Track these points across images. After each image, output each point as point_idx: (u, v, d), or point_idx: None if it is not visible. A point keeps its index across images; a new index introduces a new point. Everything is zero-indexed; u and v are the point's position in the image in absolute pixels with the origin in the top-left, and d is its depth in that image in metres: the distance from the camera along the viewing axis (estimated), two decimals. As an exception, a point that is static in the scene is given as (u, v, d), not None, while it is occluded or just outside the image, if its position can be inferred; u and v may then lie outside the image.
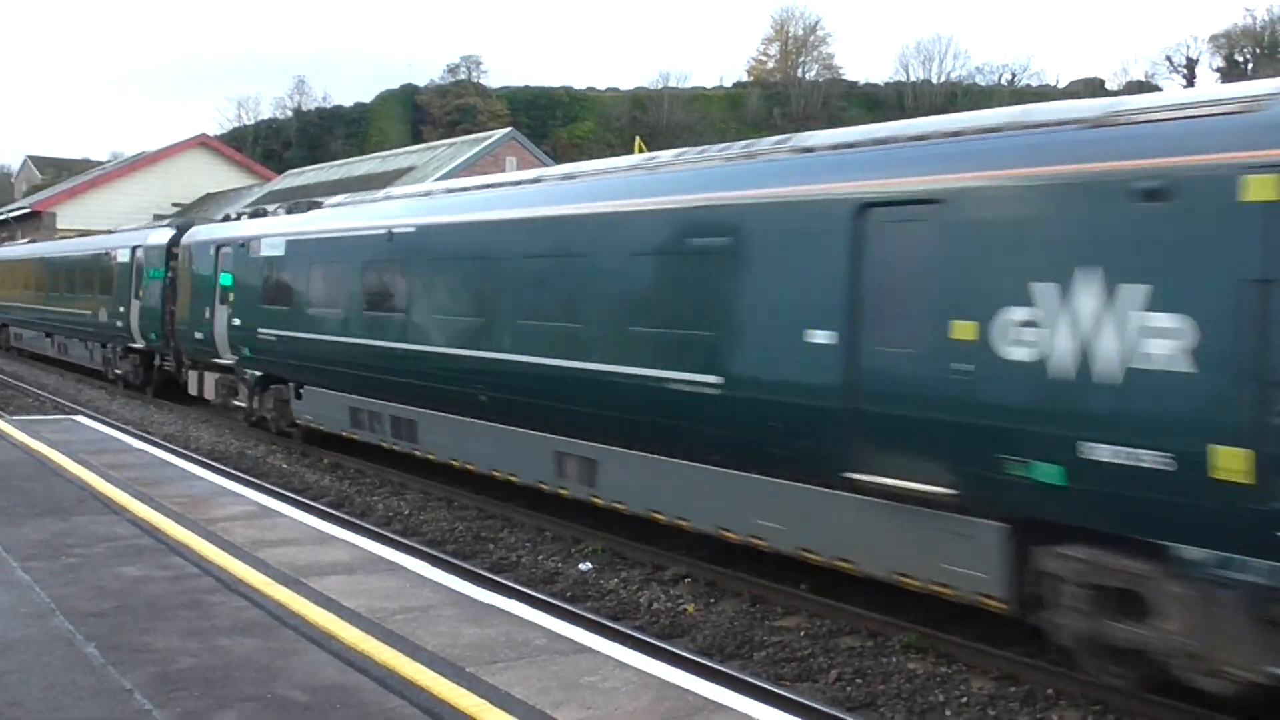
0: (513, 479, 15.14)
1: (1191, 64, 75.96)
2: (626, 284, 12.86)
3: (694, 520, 12.27)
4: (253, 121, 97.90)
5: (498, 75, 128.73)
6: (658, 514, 12.76)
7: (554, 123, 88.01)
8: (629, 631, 10.39)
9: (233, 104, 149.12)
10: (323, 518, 13.10)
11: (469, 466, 16.07)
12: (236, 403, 23.62)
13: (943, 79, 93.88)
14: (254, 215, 25.45)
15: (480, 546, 14.42)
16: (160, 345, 28.49)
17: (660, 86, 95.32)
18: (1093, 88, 76.09)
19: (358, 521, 14.91)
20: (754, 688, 8.68)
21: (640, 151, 28.13)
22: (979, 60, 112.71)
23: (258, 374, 22.16)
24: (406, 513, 16.45)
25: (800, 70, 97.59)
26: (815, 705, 8.63)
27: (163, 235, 28.74)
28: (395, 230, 17.35)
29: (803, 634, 10.85)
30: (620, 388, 12.74)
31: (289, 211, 23.09)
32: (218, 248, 23.63)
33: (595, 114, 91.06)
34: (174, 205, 53.89)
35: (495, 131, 49.50)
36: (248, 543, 10.64)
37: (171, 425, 25.31)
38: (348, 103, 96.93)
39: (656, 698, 6.86)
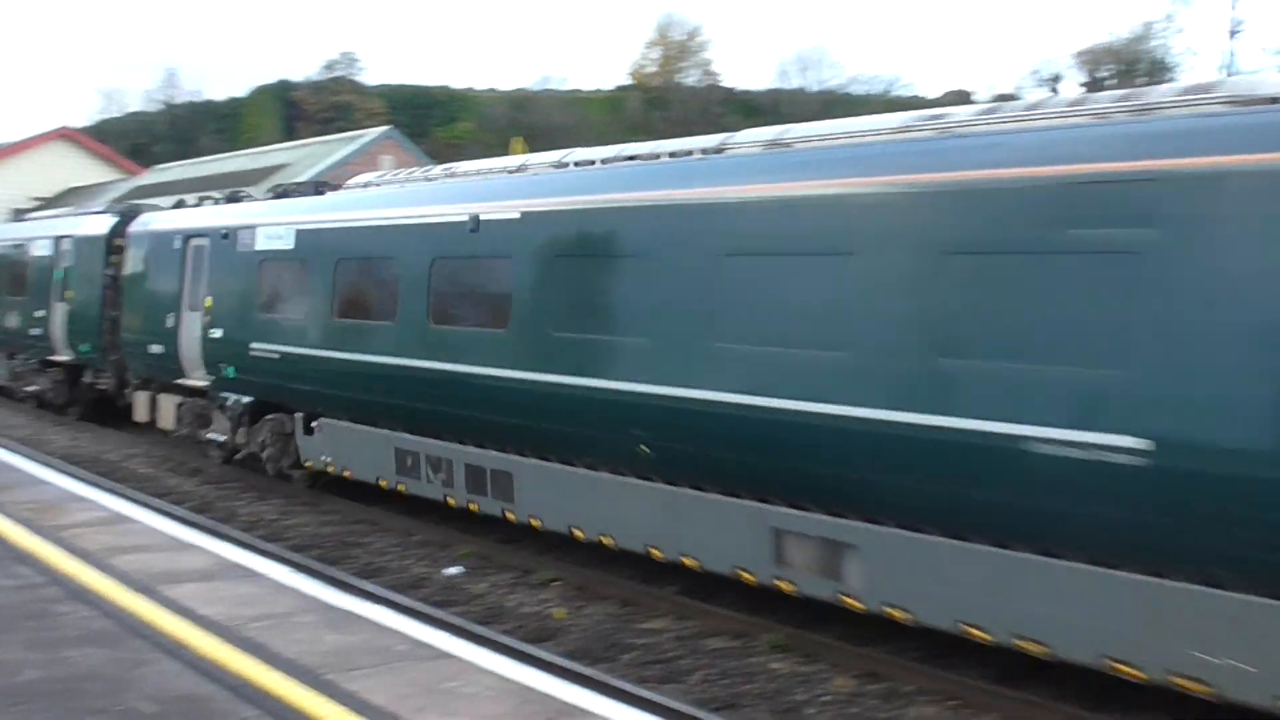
0: (687, 561, 11.10)
1: (1056, 79, 78.22)
2: (937, 292, 8.91)
3: (1058, 647, 8.38)
4: (121, 114, 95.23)
5: (375, 73, 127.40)
6: (975, 629, 8.85)
7: (432, 122, 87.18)
8: (496, 636, 10.30)
9: (99, 96, 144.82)
10: (182, 523, 12.72)
11: (603, 540, 11.88)
12: (210, 435, 18.71)
13: (820, 88, 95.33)
14: (231, 200, 20.62)
15: (346, 552, 14.18)
16: (94, 359, 23.21)
17: (541, 88, 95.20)
18: (964, 99, 77.84)
19: (219, 527, 14.52)
20: (619, 690, 8.67)
21: (519, 153, 27.58)
22: (854, 71, 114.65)
23: (245, 400, 17.51)
24: (271, 518, 16.10)
25: (680, 76, 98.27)
26: (679, 706, 8.65)
27: (101, 223, 23.45)
28: (486, 218, 13.07)
29: (670, 636, 10.90)
30: (921, 445, 8.91)
31: (279, 196, 18.93)
32: (186, 239, 19.04)
33: (474, 114, 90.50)
34: (33, 200, 52.11)
35: (372, 130, 48.85)
36: (100, 550, 10.28)
37: (25, 428, 24.40)
38: (220, 97, 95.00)
39: (519, 703, 6.80)
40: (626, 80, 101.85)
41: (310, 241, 16.03)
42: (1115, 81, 71.51)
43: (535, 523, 12.66)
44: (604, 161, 12.85)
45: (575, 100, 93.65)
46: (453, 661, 7.59)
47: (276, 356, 16.39)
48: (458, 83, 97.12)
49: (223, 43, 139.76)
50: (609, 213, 11.89)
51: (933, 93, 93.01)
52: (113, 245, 22.46)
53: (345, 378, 15.10)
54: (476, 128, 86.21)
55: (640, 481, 11.42)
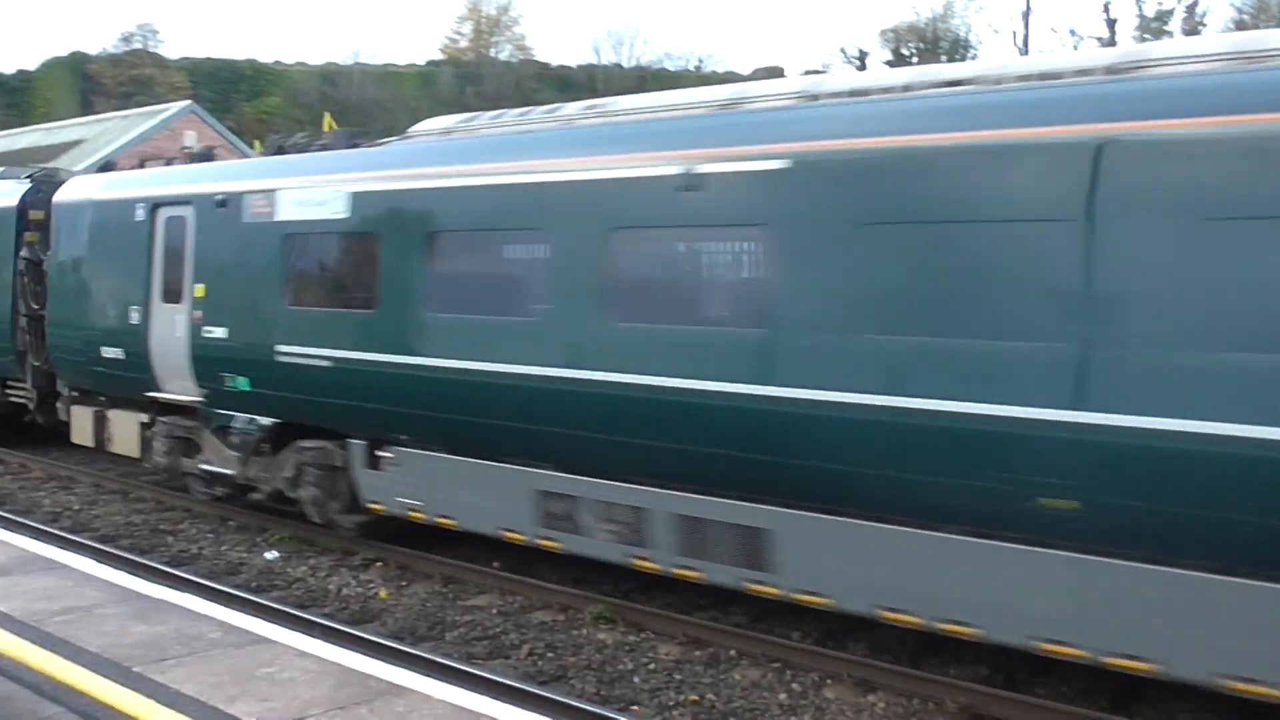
0: (1128, 665, 7.67)
1: (863, 56, 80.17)
2: None
3: None
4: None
5: (177, 46, 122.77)
6: None
7: (238, 97, 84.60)
8: (316, 619, 10.09)
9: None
10: (-24, 517, 12.13)
11: (952, 628, 8.34)
12: (205, 466, 14.17)
13: (633, 64, 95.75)
14: (200, 157, 16.11)
15: (158, 540, 13.69)
16: (3, 365, 18.21)
17: (351, 63, 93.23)
18: (775, 75, 79.24)
19: (18, 519, 13.87)
20: (443, 668, 8.59)
21: (329, 129, 26.44)
22: (667, 47, 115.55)
23: (265, 421, 13.19)
24: (76, 508, 15.43)
25: (493, 50, 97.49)
26: (504, 680, 8.60)
27: (8, 192, 18.30)
28: (712, 170, 9.29)
29: (495, 612, 10.83)
30: None
31: (277, 151, 14.60)
32: (154, 208, 14.56)
33: (282, 89, 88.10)
34: None
35: (173, 104, 47.14)
36: (-116, 547, 9.71)
37: None
38: (8, 70, 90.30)
39: (337, 685, 6.67)
40: (439, 55, 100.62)
41: (379, 208, 11.90)
42: (917, 59, 73.74)
43: (813, 600, 9.06)
44: (907, 89, 9.16)
45: (387, 75, 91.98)
46: (269, 647, 7.39)
47: (324, 364, 12.16)
48: (265, 56, 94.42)
49: (8, 12, 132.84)
50: (1010, 153, 7.98)
51: (745, 68, 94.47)
52: (27, 220, 17.66)
53: (447, 394, 11.10)
54: (285, 103, 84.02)
55: (1037, 549, 7.89)
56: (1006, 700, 8.43)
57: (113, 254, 15.16)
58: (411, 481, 11.80)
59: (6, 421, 18.97)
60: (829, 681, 8.99)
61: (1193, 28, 49.63)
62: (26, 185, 18.19)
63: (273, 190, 12.98)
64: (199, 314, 13.67)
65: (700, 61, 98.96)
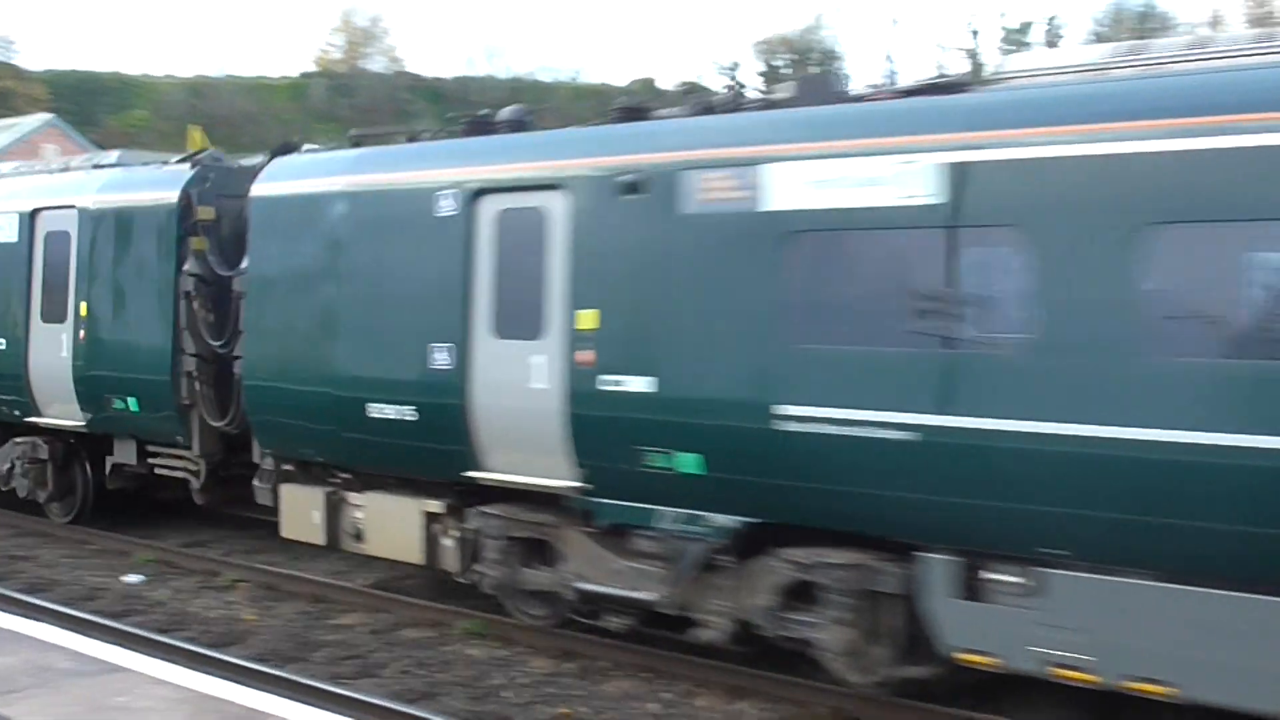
0: None
1: (735, 68, 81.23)
2: None
3: None
4: None
5: (37, 57, 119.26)
6: None
7: (103, 109, 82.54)
8: (176, 643, 9.82)
9: None
10: None
11: None
12: (581, 585, 9.59)
13: (508, 75, 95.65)
14: (514, 125, 10.81)
15: (12, 567, 13.19)
16: (149, 422, 13.07)
17: (222, 74, 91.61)
18: (650, 87, 79.85)
19: None
20: (308, 689, 8.44)
21: (197, 143, 25.69)
22: (539, 60, 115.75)
23: (727, 521, 8.69)
24: (-79, 537, 14.81)
25: (365, 62, 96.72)
26: (372, 699, 8.47)
27: (159, 184, 13.20)
28: None
29: (364, 630, 10.69)
30: None
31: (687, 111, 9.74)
32: (474, 199, 10.01)
33: (150, 101, 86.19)
34: None
35: (33, 117, 45.89)
36: None
37: None
38: None
39: (194, 712, 6.52)
40: (312, 67, 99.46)
41: (1023, 187, 7.47)
42: (791, 70, 74.88)
43: None
44: None
45: (258, 87, 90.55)
46: (124, 675, 7.20)
47: (895, 436, 7.77)
48: (132, 68, 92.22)
49: None
50: None
51: (621, 80, 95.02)
52: (197, 221, 12.72)
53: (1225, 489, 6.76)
54: (153, 115, 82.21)
55: None
56: (876, 703, 8.54)
57: (387, 268, 10.58)
58: (1070, 622, 7.42)
59: (112, 498, 14.33)
60: (700, 690, 9.03)
61: (1052, 40, 51.28)
62: (187, 172, 13.09)
63: (753, 162, 8.54)
64: (587, 355, 9.24)
65: (575, 74, 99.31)
